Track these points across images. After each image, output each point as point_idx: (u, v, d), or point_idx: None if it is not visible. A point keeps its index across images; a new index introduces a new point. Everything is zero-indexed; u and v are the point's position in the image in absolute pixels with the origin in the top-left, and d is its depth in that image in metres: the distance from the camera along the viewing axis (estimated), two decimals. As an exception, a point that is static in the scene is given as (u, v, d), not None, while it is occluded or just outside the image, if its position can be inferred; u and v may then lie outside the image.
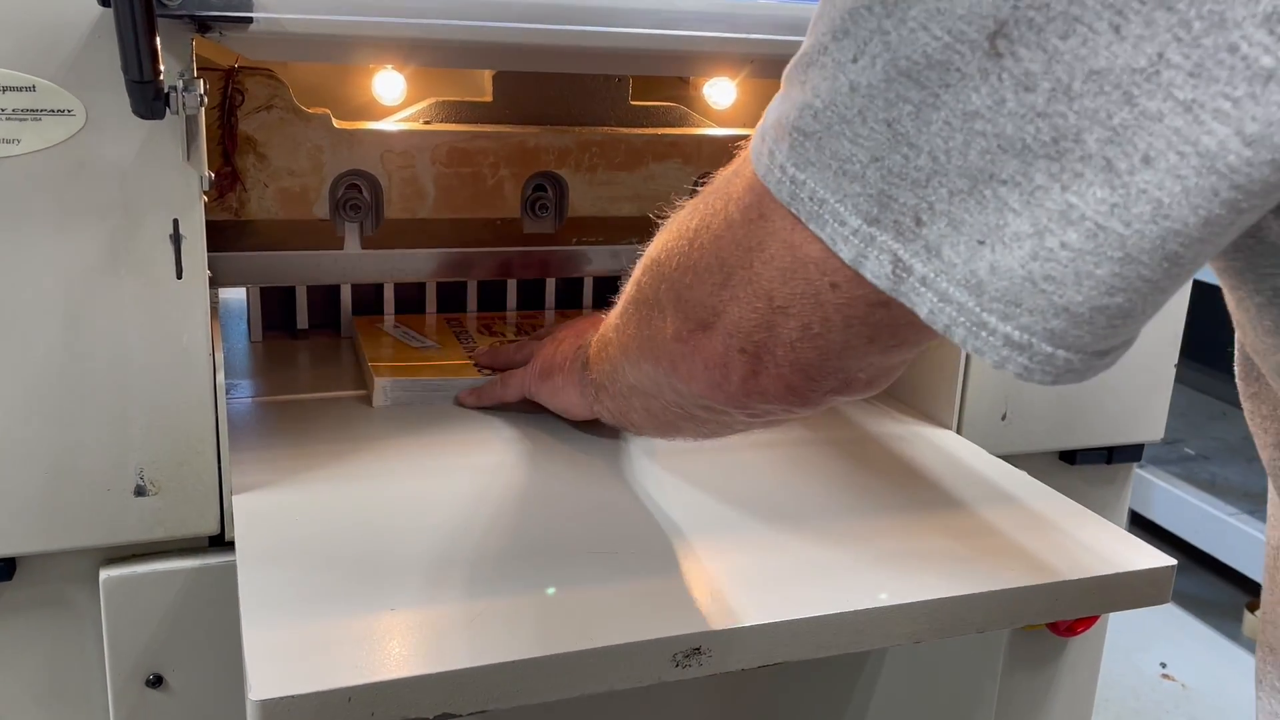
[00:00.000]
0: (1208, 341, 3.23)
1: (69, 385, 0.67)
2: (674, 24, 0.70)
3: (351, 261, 0.91)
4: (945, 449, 0.86)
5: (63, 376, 0.67)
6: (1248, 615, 2.41)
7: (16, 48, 0.62)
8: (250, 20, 0.65)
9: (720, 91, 1.05)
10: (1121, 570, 0.67)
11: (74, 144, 0.64)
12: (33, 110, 0.63)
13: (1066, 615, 0.68)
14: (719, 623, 0.60)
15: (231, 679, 0.75)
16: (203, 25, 0.64)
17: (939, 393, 0.91)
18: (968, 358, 0.88)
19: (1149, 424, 0.98)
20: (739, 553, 0.68)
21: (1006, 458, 0.85)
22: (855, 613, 0.61)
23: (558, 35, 0.68)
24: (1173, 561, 0.70)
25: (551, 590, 0.60)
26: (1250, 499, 2.44)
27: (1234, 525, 2.34)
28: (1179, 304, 0.94)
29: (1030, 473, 0.82)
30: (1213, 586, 2.59)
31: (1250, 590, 2.44)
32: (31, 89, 0.63)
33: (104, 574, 0.72)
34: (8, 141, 0.63)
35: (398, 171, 0.88)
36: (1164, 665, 2.30)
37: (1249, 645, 2.38)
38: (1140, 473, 2.53)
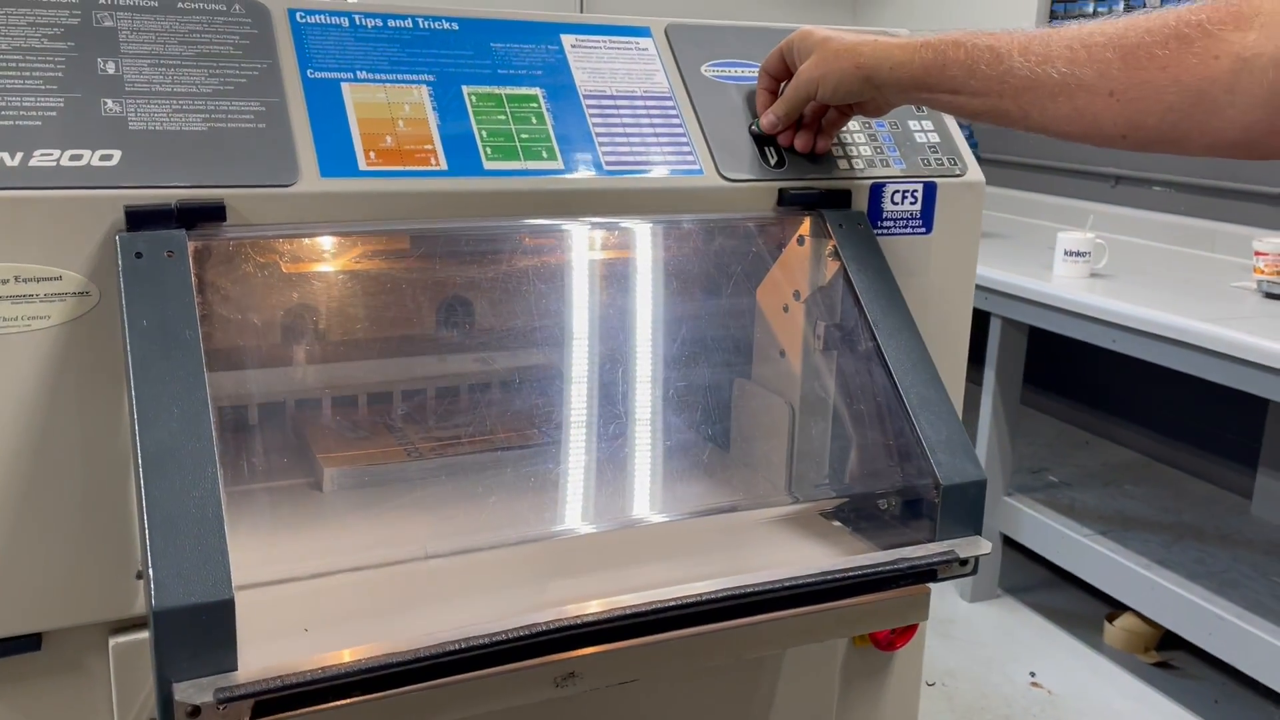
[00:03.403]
0: (1071, 376, 3.56)
1: (87, 496, 0.88)
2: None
3: (299, 375, 1.12)
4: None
5: (83, 490, 0.88)
6: (1107, 626, 2.69)
7: (46, 248, 0.84)
8: (224, 219, 0.87)
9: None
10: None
11: (91, 318, 0.85)
12: (59, 294, 0.85)
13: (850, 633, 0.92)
14: (588, 651, 0.82)
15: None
16: (189, 224, 0.86)
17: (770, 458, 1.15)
18: (793, 423, 1.12)
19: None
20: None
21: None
22: (685, 637, 0.85)
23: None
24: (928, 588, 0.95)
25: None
26: (1105, 521, 2.73)
27: (1092, 546, 2.61)
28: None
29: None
30: (1076, 600, 2.88)
31: (1109, 603, 2.73)
32: (58, 278, 0.84)
33: (113, 641, 0.92)
34: (40, 318, 0.84)
35: (336, 303, 1.10)
36: (1033, 674, 2.57)
37: (1109, 653, 2.66)
38: (1008, 500, 2.81)
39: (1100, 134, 0.85)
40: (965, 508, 0.94)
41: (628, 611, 0.80)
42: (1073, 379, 3.46)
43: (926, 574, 0.93)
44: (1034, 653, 2.67)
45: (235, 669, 0.72)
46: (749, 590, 0.84)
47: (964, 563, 0.94)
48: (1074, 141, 0.88)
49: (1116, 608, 2.68)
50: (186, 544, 0.72)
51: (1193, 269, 2.79)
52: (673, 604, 0.82)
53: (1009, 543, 2.89)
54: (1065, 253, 2.60)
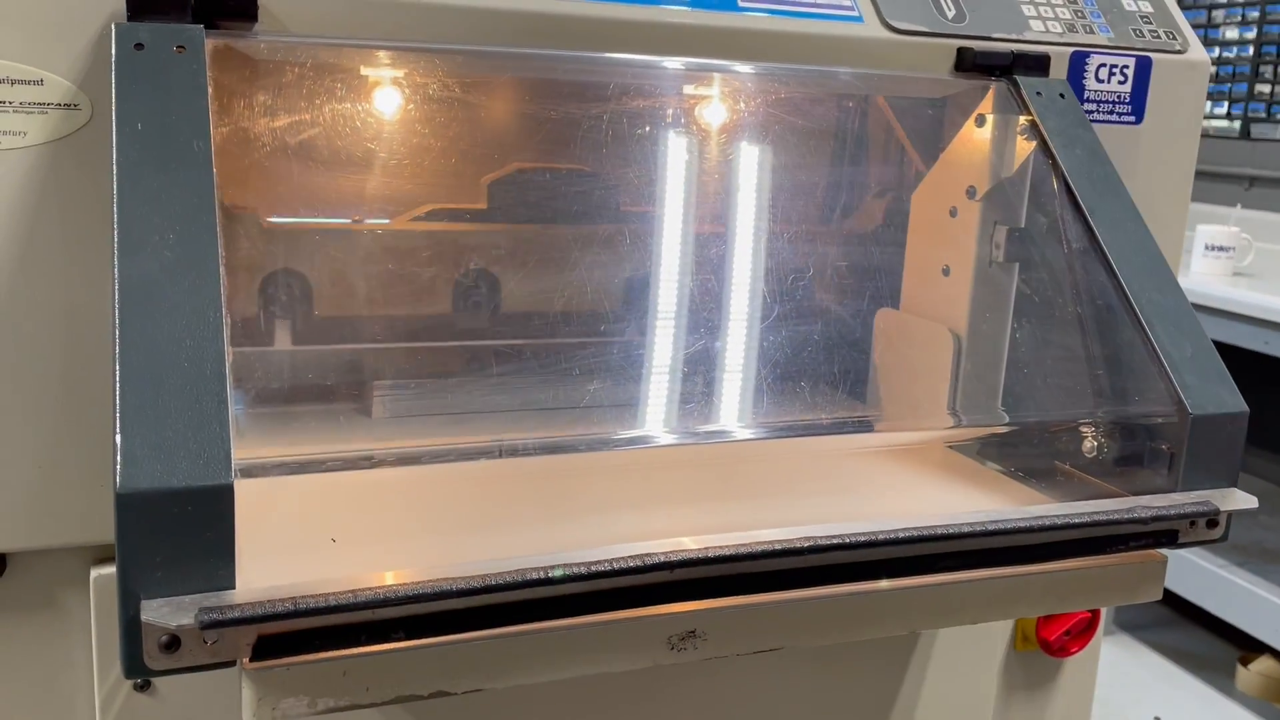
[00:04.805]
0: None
1: (67, 380, 0.68)
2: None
3: (279, 359, 0.88)
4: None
5: (62, 371, 0.67)
6: (1240, 669, 2.39)
7: (26, 42, 0.64)
8: (255, 19, 0.67)
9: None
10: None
11: (80, 139, 0.66)
12: (40, 104, 0.65)
13: (1057, 609, 0.68)
14: (720, 603, 0.59)
15: (220, 685, 0.74)
16: (208, 20, 0.66)
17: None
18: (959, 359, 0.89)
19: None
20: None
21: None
22: (849, 596, 0.61)
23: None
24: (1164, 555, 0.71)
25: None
26: (1240, 552, 2.43)
27: (1225, 578, 2.33)
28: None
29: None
30: (1204, 641, 2.57)
31: (1242, 644, 2.42)
32: (39, 83, 0.65)
33: (95, 573, 0.71)
34: (15, 134, 0.65)
35: (328, 269, 0.87)
36: None
37: (1242, 699, 2.36)
38: (1129, 526, 2.52)
39: None
40: (1220, 448, 0.70)
41: (779, 547, 0.57)
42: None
43: (1165, 535, 0.69)
44: (1157, 697, 2.38)
45: (232, 586, 0.51)
46: (948, 531, 0.60)
47: (1213, 523, 0.70)
48: None
49: (1249, 649, 2.38)
50: (172, 407, 0.51)
51: (1346, 273, 2.51)
52: (837, 543, 0.59)
53: (1128, 572, 2.60)
54: (1206, 247, 2.34)
